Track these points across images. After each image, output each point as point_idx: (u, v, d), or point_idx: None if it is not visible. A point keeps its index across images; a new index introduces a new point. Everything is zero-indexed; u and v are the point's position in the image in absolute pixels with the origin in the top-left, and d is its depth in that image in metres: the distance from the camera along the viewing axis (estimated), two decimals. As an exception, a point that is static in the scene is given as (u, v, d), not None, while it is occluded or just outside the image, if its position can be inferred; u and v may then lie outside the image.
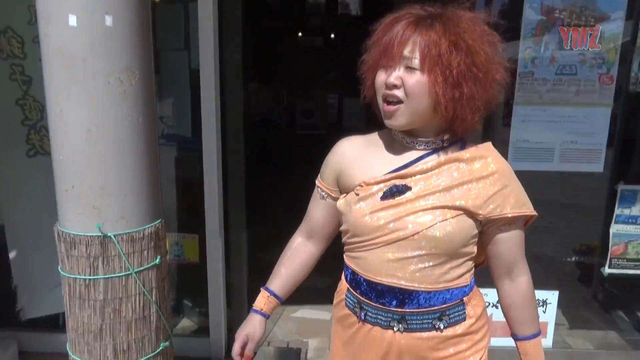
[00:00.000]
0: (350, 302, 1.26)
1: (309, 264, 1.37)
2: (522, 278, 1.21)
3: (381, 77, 1.11)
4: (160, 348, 1.77)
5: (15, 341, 2.50)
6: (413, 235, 1.11)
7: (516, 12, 2.21)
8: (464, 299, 1.20)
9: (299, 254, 1.37)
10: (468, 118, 1.09)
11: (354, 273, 1.23)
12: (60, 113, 1.52)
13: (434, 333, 1.18)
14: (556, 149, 2.31)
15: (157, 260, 1.70)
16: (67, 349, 1.74)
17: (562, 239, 2.90)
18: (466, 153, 1.14)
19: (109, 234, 1.57)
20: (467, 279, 1.20)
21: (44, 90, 2.02)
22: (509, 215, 1.13)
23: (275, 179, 5.29)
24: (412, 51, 1.05)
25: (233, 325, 2.65)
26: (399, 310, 1.17)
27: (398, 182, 1.14)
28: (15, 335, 2.51)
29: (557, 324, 2.71)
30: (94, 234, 1.56)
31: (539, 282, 2.48)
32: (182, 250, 2.60)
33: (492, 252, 1.20)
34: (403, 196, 1.13)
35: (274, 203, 4.47)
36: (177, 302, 2.82)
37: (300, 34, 8.35)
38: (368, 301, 1.21)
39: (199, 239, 2.57)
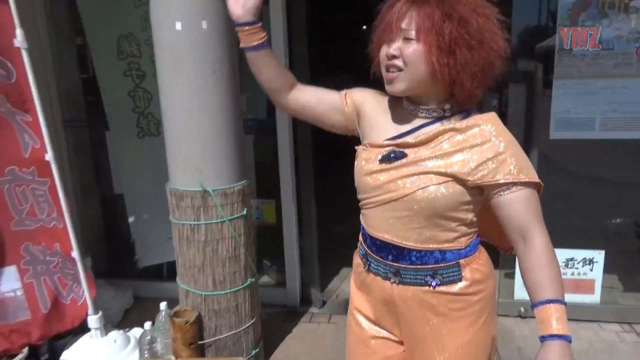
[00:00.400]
0: (361, 252, 1.36)
1: (281, 76, 1.31)
2: (537, 240, 1.13)
3: (383, 50, 1.17)
4: (248, 282, 2.22)
5: (131, 288, 3.08)
6: (402, 197, 1.17)
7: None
8: (461, 261, 1.21)
9: (288, 72, 1.35)
10: (466, 84, 1.12)
11: (363, 227, 1.33)
12: (169, 97, 1.99)
13: (425, 289, 1.22)
14: (597, 118, 2.48)
15: (244, 212, 2.14)
16: (177, 280, 2.24)
17: (611, 205, 3.01)
18: (463, 123, 1.16)
19: (208, 189, 2.02)
20: (462, 243, 1.21)
21: (153, 83, 2.54)
22: (501, 181, 1.11)
23: (340, 162, 5.63)
24: (409, 24, 1.11)
25: (305, 281, 3.06)
26: (394, 264, 1.24)
27: (396, 148, 1.20)
28: (131, 283, 3.09)
29: (609, 287, 2.86)
30: (197, 190, 2.03)
31: (588, 243, 2.66)
32: (262, 214, 3.05)
33: (501, 218, 1.16)
34: (399, 161, 1.18)
35: (340, 184, 4.84)
36: (258, 261, 3.27)
37: (364, 27, 8.53)
38: (371, 253, 1.29)
39: (276, 205, 2.99)
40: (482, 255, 1.27)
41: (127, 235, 3.05)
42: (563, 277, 2.77)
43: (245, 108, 2.95)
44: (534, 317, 1.12)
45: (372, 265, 1.29)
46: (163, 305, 2.28)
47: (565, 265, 2.72)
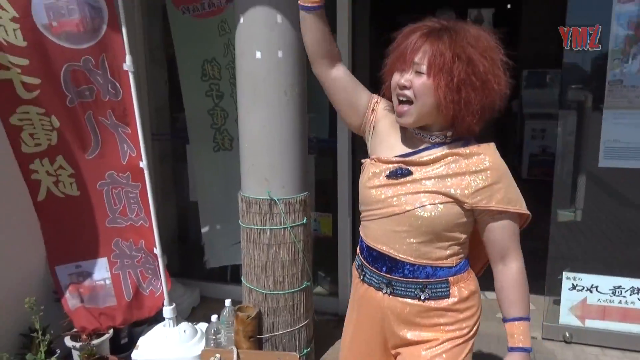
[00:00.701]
0: (357, 263, 1.45)
1: (326, 45, 1.37)
2: (514, 264, 1.29)
3: (396, 78, 1.26)
4: (304, 285, 2.45)
5: (198, 288, 3.38)
6: (404, 212, 1.26)
7: (604, 25, 2.49)
8: (450, 279, 1.30)
9: (334, 45, 1.39)
10: (467, 119, 1.22)
11: (361, 239, 1.41)
12: (247, 115, 2.29)
13: (415, 301, 1.31)
14: (646, 148, 2.55)
15: (304, 221, 2.38)
16: (242, 278, 2.50)
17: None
18: (467, 149, 1.26)
19: (274, 198, 2.28)
20: (453, 261, 1.31)
21: (229, 102, 2.85)
22: (493, 208, 1.23)
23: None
24: (422, 58, 1.20)
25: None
26: (387, 275, 1.32)
27: (403, 165, 1.29)
28: (198, 284, 3.39)
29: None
30: (265, 198, 2.29)
31: (637, 272, 2.68)
32: (320, 226, 3.29)
33: (486, 239, 1.30)
34: (404, 179, 1.27)
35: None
36: (313, 272, 3.49)
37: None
38: (367, 264, 1.37)
39: (332, 219, 3.22)
40: (470, 276, 1.36)
41: (197, 239, 3.38)
42: (610, 304, 2.81)
43: (309, 128, 3.23)
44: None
45: (367, 275, 1.38)
46: (228, 302, 2.55)
47: (613, 294, 2.74)
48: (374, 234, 1.34)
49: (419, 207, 1.24)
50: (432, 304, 1.31)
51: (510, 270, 1.29)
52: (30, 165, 2.39)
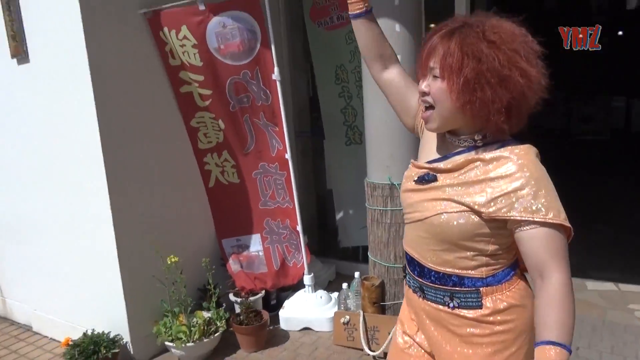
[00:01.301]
0: (403, 265, 1.52)
1: (377, 48, 1.39)
2: (552, 280, 1.09)
3: (420, 85, 1.21)
4: (422, 261, 2.75)
5: (334, 265, 3.85)
6: (424, 219, 1.22)
7: None
8: (482, 289, 1.20)
9: (386, 47, 1.40)
10: (492, 119, 1.12)
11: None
12: (371, 113, 2.67)
13: (445, 308, 1.25)
14: None
15: (422, 203, 2.68)
16: (368, 253, 2.89)
17: None
18: (489, 154, 1.15)
19: (394, 183, 2.63)
20: (482, 272, 1.20)
21: (357, 102, 3.25)
22: (516, 218, 1.09)
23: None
24: (436, 62, 1.14)
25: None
26: (419, 279, 1.30)
27: (431, 171, 1.24)
28: (334, 262, 3.86)
29: None
30: (386, 183, 2.65)
31: None
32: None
33: (520, 251, 1.15)
34: (429, 184, 1.22)
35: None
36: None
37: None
38: (407, 266, 1.36)
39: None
40: (514, 287, 1.22)
41: (334, 222, 3.86)
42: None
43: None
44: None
45: (408, 277, 1.37)
46: (357, 274, 2.97)
47: None
48: (407, 238, 1.35)
49: (436, 215, 1.19)
50: (463, 312, 1.23)
51: (547, 289, 1.09)
52: (204, 159, 3.07)
